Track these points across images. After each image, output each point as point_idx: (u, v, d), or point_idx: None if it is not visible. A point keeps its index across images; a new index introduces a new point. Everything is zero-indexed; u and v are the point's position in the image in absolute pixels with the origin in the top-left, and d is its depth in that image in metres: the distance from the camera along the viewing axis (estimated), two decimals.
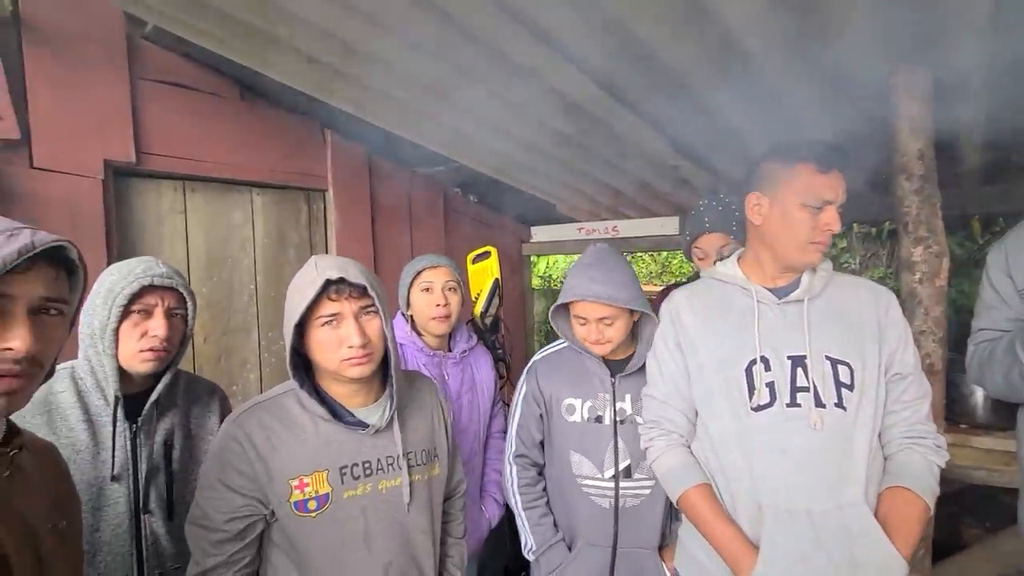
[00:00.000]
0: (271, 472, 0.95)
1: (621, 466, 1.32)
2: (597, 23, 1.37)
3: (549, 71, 1.59)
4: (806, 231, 1.06)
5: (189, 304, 1.12)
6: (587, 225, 3.58)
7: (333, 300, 0.95)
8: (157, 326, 1.06)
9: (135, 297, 1.04)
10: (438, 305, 1.54)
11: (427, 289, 1.56)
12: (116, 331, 1.03)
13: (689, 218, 1.69)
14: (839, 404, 1.04)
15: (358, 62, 1.62)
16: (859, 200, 2.66)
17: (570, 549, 1.38)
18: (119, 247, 1.85)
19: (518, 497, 1.43)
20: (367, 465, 1.01)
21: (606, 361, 1.37)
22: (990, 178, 2.32)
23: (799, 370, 1.07)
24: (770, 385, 1.07)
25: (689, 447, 1.19)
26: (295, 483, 0.95)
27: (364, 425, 1.02)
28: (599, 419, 1.34)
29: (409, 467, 1.05)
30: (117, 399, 1.05)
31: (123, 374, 1.06)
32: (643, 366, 1.32)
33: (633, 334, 1.37)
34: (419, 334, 1.60)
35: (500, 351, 2.01)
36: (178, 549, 1.11)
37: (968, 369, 1.31)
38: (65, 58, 1.70)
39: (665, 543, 1.36)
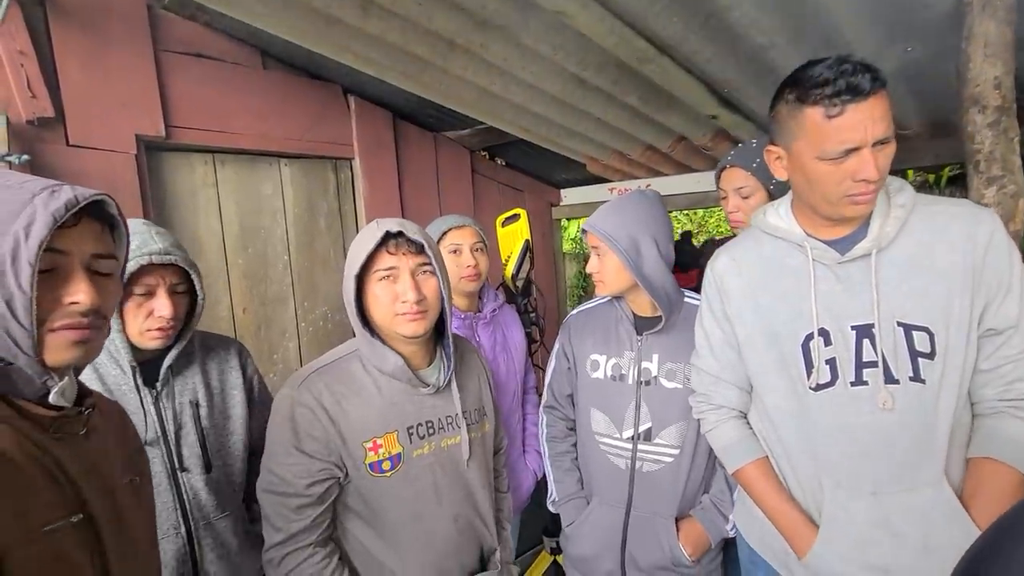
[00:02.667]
0: (344, 435, 0.97)
1: (641, 428, 1.29)
2: None
3: (578, 15, 1.49)
4: (833, 186, 0.87)
5: (194, 276, 1.11)
6: (619, 185, 3.46)
7: (391, 254, 0.98)
8: (161, 306, 1.06)
9: (134, 277, 1.02)
10: (468, 266, 1.55)
11: (455, 251, 1.55)
12: (120, 310, 1.04)
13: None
14: (915, 377, 0.89)
15: (376, 19, 1.56)
16: (916, 143, 2.46)
17: (588, 503, 1.39)
18: (156, 221, 1.88)
19: (546, 447, 1.48)
20: (429, 424, 1.05)
21: (637, 319, 1.34)
22: None
23: (865, 341, 0.91)
24: (831, 362, 0.94)
25: (745, 417, 1.13)
26: (368, 445, 0.98)
27: (426, 384, 1.05)
28: (621, 377, 1.32)
29: (467, 425, 1.09)
30: (134, 368, 1.07)
31: (134, 345, 1.08)
32: (677, 322, 1.29)
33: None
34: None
35: (533, 314, 1.98)
36: (219, 500, 1.16)
37: None
38: (90, 33, 1.70)
39: (685, 514, 1.31)
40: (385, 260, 0.98)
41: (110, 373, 1.08)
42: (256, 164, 2.16)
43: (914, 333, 0.89)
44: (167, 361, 1.11)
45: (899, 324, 0.90)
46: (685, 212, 7.05)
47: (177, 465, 1.11)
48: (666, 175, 3.29)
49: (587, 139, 2.65)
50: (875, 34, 1.60)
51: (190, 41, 1.93)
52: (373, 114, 2.45)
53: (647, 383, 1.29)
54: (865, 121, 0.82)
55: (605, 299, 1.42)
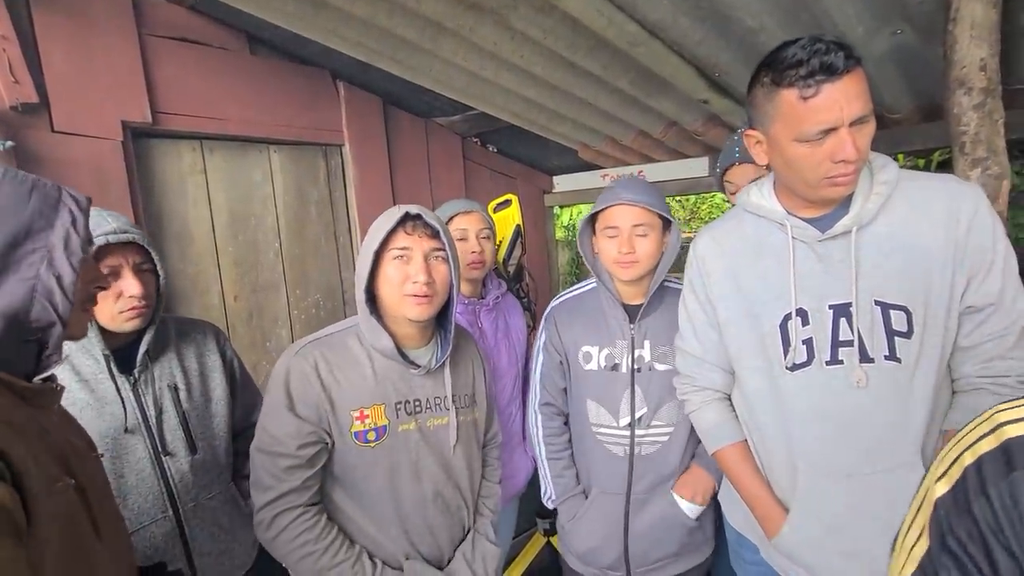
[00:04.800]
0: (333, 402, 1.01)
1: (637, 414, 1.29)
2: None
3: None
4: (812, 169, 0.85)
5: (154, 255, 1.11)
6: (612, 171, 3.46)
7: (408, 234, 1.02)
8: (130, 285, 1.06)
9: (95, 259, 1.02)
10: (473, 252, 1.55)
11: (462, 237, 1.56)
12: None
13: (722, 151, 1.60)
14: (891, 356, 0.89)
15: (364, 2, 1.54)
16: (906, 127, 2.46)
17: (586, 496, 1.38)
18: (145, 209, 1.87)
19: (543, 446, 1.43)
20: (417, 403, 1.08)
21: (624, 307, 1.33)
22: None
23: (842, 320, 0.91)
24: (807, 342, 0.94)
25: (728, 398, 1.14)
26: (356, 414, 1.02)
27: (416, 365, 1.08)
28: (615, 367, 1.31)
29: (456, 409, 1.12)
30: (107, 356, 1.07)
31: (107, 332, 1.07)
32: (660, 306, 1.28)
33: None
34: None
35: (525, 299, 1.99)
36: (206, 481, 1.18)
37: None
38: (73, 17, 1.67)
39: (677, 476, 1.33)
40: (401, 240, 1.02)
41: (84, 364, 1.07)
42: (245, 151, 2.14)
43: (891, 312, 0.89)
44: (143, 346, 1.11)
45: (877, 303, 0.90)
46: (677, 199, 7.05)
47: (161, 450, 1.11)
48: (658, 161, 3.29)
49: (579, 125, 2.64)
50: (864, 17, 1.60)
51: (175, 25, 1.90)
52: (363, 100, 2.43)
53: (639, 370, 1.30)
54: (840, 101, 0.80)
55: (589, 286, 1.40)
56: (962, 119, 1.28)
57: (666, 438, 1.30)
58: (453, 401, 1.12)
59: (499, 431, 1.34)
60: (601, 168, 3.48)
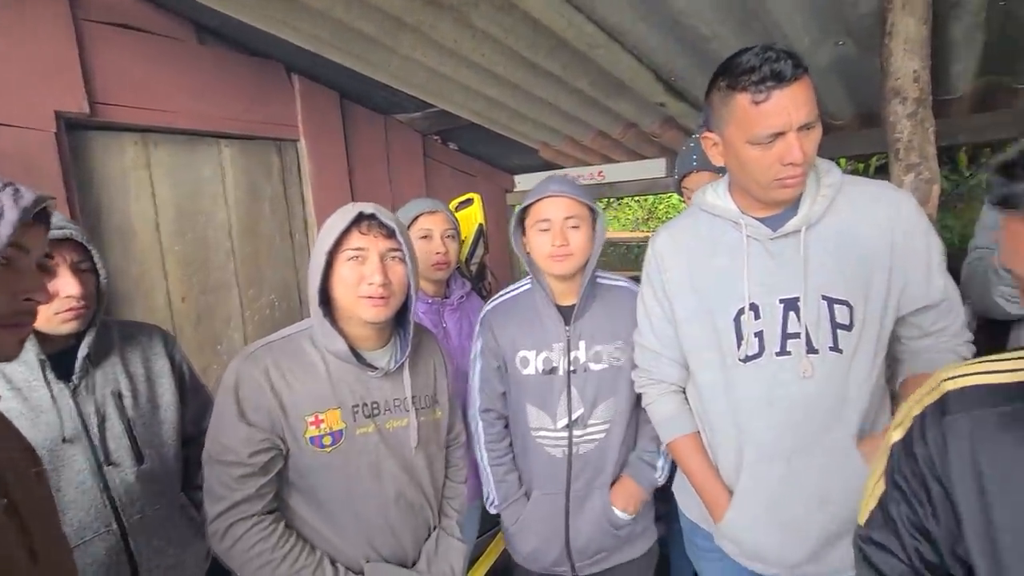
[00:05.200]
0: (286, 408, 0.98)
1: (575, 415, 1.30)
2: None
3: None
4: (762, 170, 0.91)
5: (94, 253, 1.05)
6: (572, 171, 3.50)
7: (363, 234, 0.99)
8: (67, 284, 0.99)
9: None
10: (438, 253, 1.53)
11: (426, 237, 1.53)
12: None
13: (679, 156, 1.64)
14: (834, 347, 0.96)
15: None
16: (847, 133, 2.60)
17: (528, 498, 1.38)
18: (83, 206, 1.76)
19: (484, 452, 1.41)
20: (375, 405, 1.06)
21: (559, 309, 1.32)
22: (980, 105, 2.27)
23: (791, 314, 0.97)
24: (759, 335, 0.99)
25: (683, 391, 1.18)
26: (310, 419, 0.99)
27: (374, 367, 1.06)
28: (552, 371, 1.31)
29: (416, 410, 1.11)
30: (43, 362, 1.00)
31: (43, 335, 1.00)
32: (593, 304, 1.31)
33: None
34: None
35: (487, 298, 1.99)
36: (154, 491, 1.12)
37: (961, 287, 1.32)
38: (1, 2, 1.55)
39: (615, 478, 1.36)
40: (355, 240, 0.99)
41: (16, 370, 1.00)
42: (194, 145, 2.05)
43: (836, 306, 0.95)
44: (82, 350, 1.04)
45: (824, 297, 0.96)
46: (636, 200, 7.21)
47: (104, 460, 1.05)
48: (617, 162, 3.35)
49: (539, 124, 2.66)
50: (810, 28, 1.68)
51: (115, 10, 1.79)
52: (319, 94, 2.37)
53: (575, 371, 1.31)
54: (789, 107, 0.86)
55: (523, 287, 1.40)
56: (897, 127, 1.36)
57: (603, 435, 1.32)
58: (413, 402, 1.10)
59: (462, 431, 1.34)
60: (562, 168, 3.51)
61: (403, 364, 1.09)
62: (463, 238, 1.87)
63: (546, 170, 3.58)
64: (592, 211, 1.29)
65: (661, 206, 7.39)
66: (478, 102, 2.32)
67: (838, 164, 1.07)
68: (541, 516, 1.36)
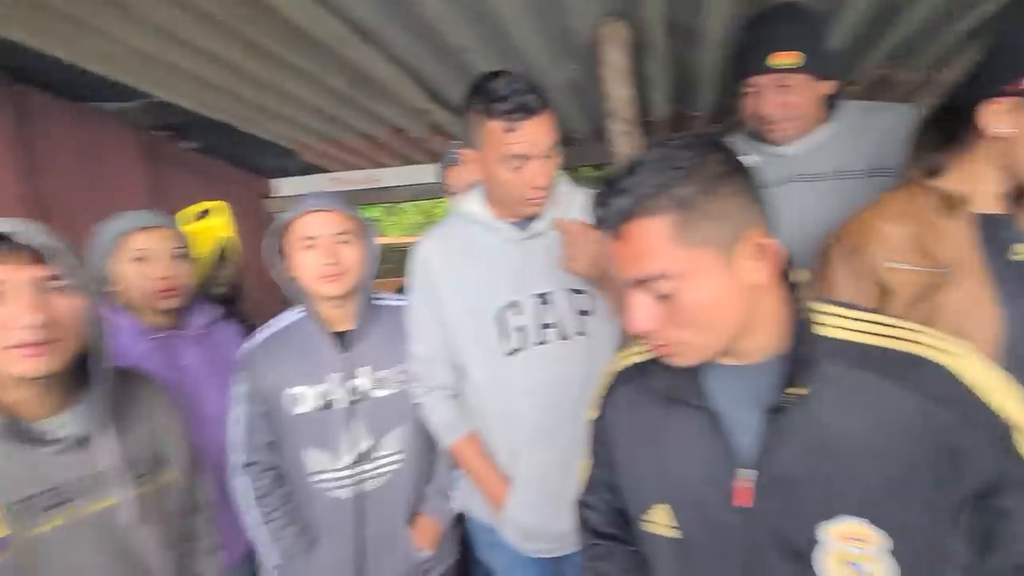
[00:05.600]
0: None
1: (362, 448, 1.20)
2: None
3: None
4: (513, 190, 1.03)
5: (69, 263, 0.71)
6: (343, 175, 3.31)
7: None
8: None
9: None
10: (163, 278, 1.26)
11: (140, 259, 1.24)
12: None
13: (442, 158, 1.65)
14: (581, 332, 1.09)
15: None
16: (584, 145, 3.02)
17: (312, 549, 1.22)
18: None
19: (256, 511, 1.21)
20: (56, 492, 0.81)
21: (335, 335, 1.21)
22: (673, 127, 2.86)
23: (546, 306, 1.09)
24: (521, 329, 1.09)
25: (457, 397, 1.20)
26: None
27: (51, 441, 0.81)
28: (329, 404, 1.18)
29: (129, 480, 0.88)
30: None
31: None
32: (374, 326, 1.23)
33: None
34: (132, 313, 1.29)
35: (247, 325, 1.71)
36: None
37: None
38: None
39: (415, 511, 1.28)
40: None
41: None
42: None
43: (577, 295, 1.09)
44: None
45: (569, 289, 1.08)
46: (413, 204, 7.25)
47: None
48: (390, 166, 3.29)
49: (292, 122, 2.43)
50: (545, 52, 1.87)
51: None
52: None
53: (357, 401, 1.20)
54: (534, 136, 0.98)
55: (293, 317, 1.24)
56: (614, 143, 1.61)
57: (396, 466, 1.23)
58: (128, 471, 0.87)
59: (213, 491, 1.10)
60: (327, 172, 3.30)
61: (101, 427, 0.84)
62: (198, 256, 1.57)
63: (308, 174, 3.32)
64: (363, 225, 1.20)
65: (438, 210, 7.59)
66: (207, 93, 1.99)
67: (578, 172, 1.23)
68: (329, 565, 1.21)
